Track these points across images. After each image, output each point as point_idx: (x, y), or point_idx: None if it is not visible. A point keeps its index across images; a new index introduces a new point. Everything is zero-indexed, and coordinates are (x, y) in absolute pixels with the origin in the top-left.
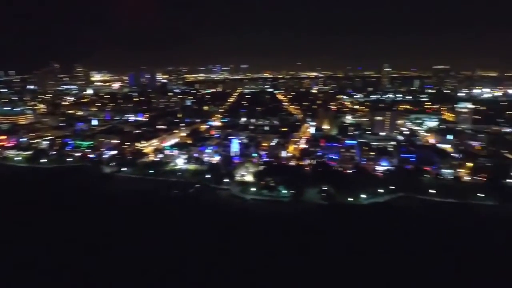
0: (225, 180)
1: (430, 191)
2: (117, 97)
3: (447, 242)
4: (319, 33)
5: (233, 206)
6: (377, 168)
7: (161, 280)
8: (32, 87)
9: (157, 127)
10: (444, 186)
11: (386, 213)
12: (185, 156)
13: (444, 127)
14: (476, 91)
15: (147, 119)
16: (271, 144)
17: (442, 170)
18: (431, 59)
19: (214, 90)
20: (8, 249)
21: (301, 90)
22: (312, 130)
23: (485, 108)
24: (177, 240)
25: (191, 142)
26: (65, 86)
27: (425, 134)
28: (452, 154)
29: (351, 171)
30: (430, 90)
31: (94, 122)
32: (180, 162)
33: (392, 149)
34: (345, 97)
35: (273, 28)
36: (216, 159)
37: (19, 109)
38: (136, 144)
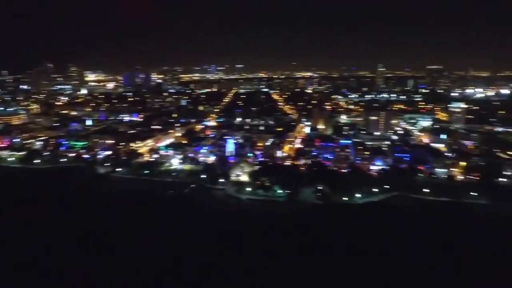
0: (220, 180)
1: (424, 190)
2: (111, 97)
3: (441, 241)
4: (319, 33)
5: (228, 206)
6: (372, 167)
7: (156, 280)
8: (25, 87)
9: (152, 127)
10: (438, 185)
11: (381, 212)
12: (180, 156)
13: (438, 126)
14: (469, 91)
15: (142, 119)
16: (266, 144)
17: (436, 169)
18: (425, 59)
19: (209, 90)
20: (2, 250)
21: (296, 90)
22: (307, 130)
23: (478, 107)
24: (172, 240)
25: (186, 142)
26: (59, 86)
27: (419, 133)
28: (445, 154)
29: (346, 171)
30: (424, 90)
31: (89, 122)
32: (175, 162)
33: (386, 148)
34: (339, 97)
35: (273, 28)
36: (212, 159)
37: (12, 109)
38: (131, 144)
